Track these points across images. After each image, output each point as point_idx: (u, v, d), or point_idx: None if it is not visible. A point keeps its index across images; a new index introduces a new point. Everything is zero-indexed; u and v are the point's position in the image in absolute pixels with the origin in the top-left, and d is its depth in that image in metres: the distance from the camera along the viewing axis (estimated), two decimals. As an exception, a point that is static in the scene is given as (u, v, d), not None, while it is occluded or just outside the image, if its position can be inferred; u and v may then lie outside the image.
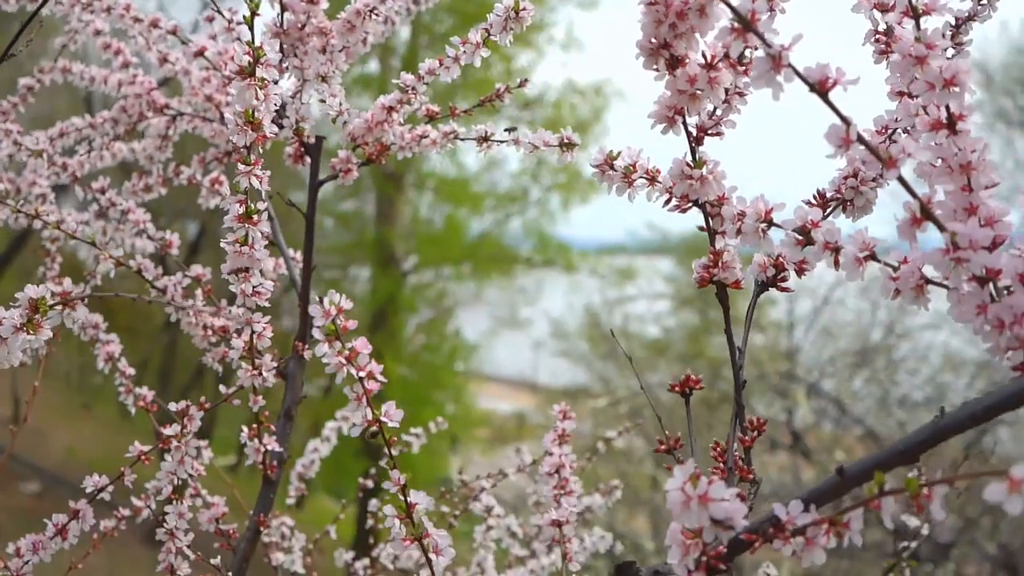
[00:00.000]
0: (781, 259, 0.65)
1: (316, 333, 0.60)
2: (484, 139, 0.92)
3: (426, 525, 0.63)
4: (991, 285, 0.50)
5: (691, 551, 0.52)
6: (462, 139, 0.94)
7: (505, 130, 0.93)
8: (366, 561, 1.28)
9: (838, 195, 0.66)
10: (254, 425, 0.94)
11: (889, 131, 0.67)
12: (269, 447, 0.95)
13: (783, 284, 0.66)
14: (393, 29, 1.10)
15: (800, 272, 0.66)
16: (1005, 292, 0.51)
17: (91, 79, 1.22)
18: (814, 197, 0.67)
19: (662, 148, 0.67)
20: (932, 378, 7.22)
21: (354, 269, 11.65)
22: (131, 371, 1.08)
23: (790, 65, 0.49)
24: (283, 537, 1.28)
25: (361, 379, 0.61)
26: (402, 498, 0.63)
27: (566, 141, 0.81)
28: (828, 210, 0.66)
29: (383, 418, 0.61)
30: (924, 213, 0.50)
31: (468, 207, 11.72)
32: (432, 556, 0.63)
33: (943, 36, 0.71)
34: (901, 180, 0.50)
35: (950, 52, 0.71)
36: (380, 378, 0.61)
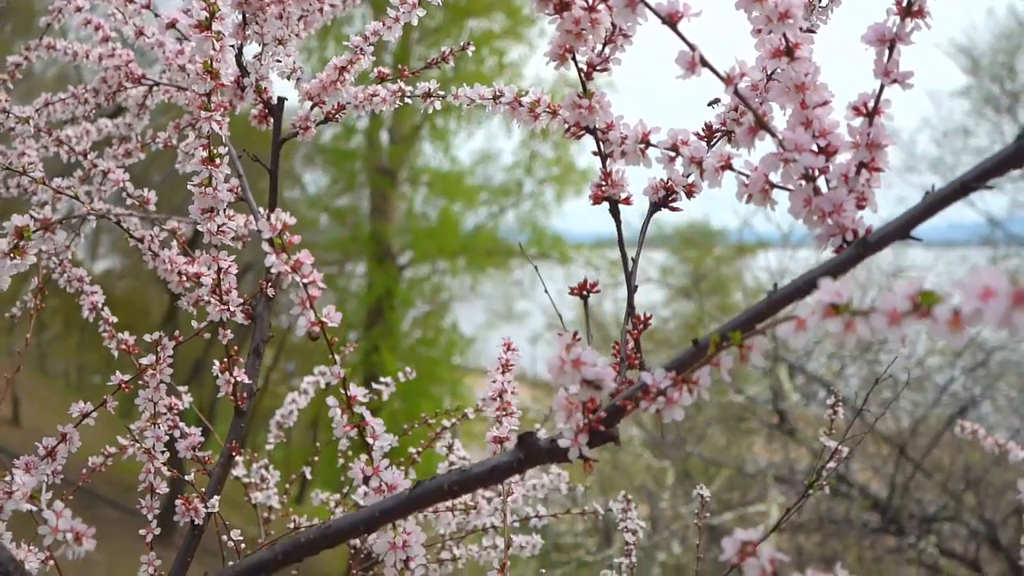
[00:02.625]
0: (671, 182, 0.74)
1: (265, 245, 0.69)
2: (428, 95, 1.02)
3: (364, 414, 0.73)
4: (818, 183, 0.60)
5: (573, 413, 0.61)
6: (409, 96, 1.04)
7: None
8: (338, 496, 1.38)
9: (723, 127, 0.76)
10: (225, 359, 1.04)
11: (768, 71, 0.77)
12: (239, 379, 1.05)
13: (673, 205, 0.75)
14: (352, 4, 1.20)
15: (689, 195, 0.76)
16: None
17: (74, 54, 1.31)
18: (702, 128, 0.76)
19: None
20: (918, 361, 7.32)
21: (350, 265, 11.74)
22: (114, 319, 1.17)
23: (644, 2, 0.58)
24: (262, 479, 1.38)
25: (305, 285, 0.70)
26: (343, 391, 0.73)
27: (497, 94, 0.91)
28: (714, 140, 0.76)
29: (324, 319, 0.71)
30: (759, 123, 0.60)
31: (462, 201, 11.81)
32: (370, 441, 0.73)
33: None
34: (737, 94, 0.60)
35: (824, 2, 0.81)
36: (321, 285, 0.71)
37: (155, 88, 1.27)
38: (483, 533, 1.29)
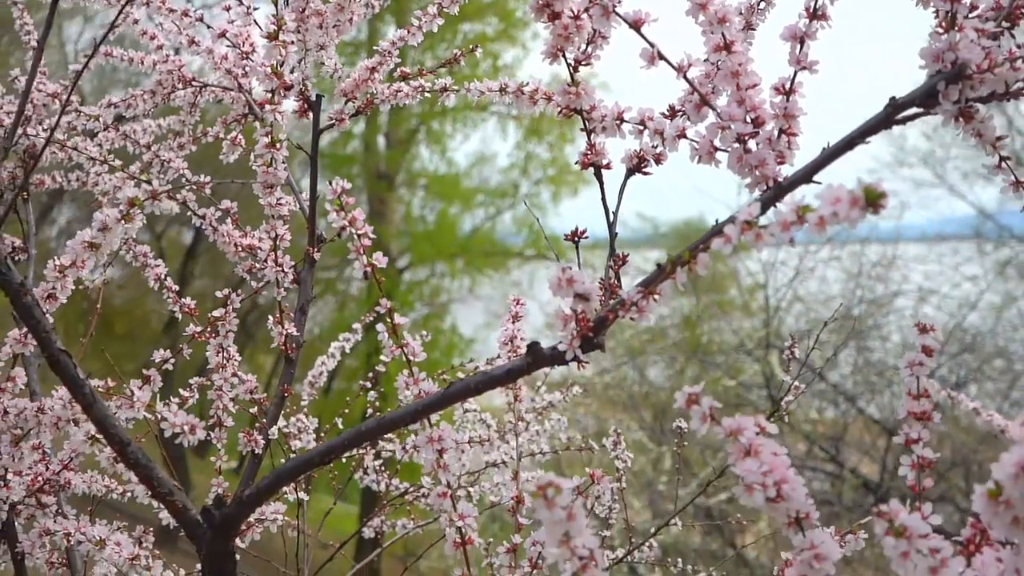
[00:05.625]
0: (642, 151, 0.94)
1: (327, 205, 0.89)
2: (444, 90, 1.22)
3: (406, 338, 0.93)
4: (749, 145, 0.80)
5: (568, 324, 0.81)
6: (427, 92, 1.24)
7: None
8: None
9: (682, 107, 0.96)
10: (277, 314, 1.24)
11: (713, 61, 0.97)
12: (289, 331, 1.24)
13: (646, 170, 0.95)
14: (374, 12, 1.40)
15: (657, 161, 0.95)
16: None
17: (129, 60, 1.51)
18: (667, 108, 0.96)
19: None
20: (908, 347, 7.53)
21: (349, 269, 11.93)
22: (176, 287, 1.37)
23: (615, 11, 0.79)
24: (299, 431, 1.58)
25: (359, 235, 0.91)
26: (390, 320, 0.93)
27: (503, 87, 1.11)
28: (677, 116, 0.96)
29: (374, 261, 0.91)
30: (703, 101, 0.80)
31: (459, 203, 12.01)
32: (411, 358, 0.93)
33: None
34: (686, 79, 0.80)
35: (763, 6, 1.01)
36: (371, 235, 0.91)
37: (204, 89, 1.47)
38: (495, 470, 1.49)
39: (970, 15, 0.75)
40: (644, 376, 8.45)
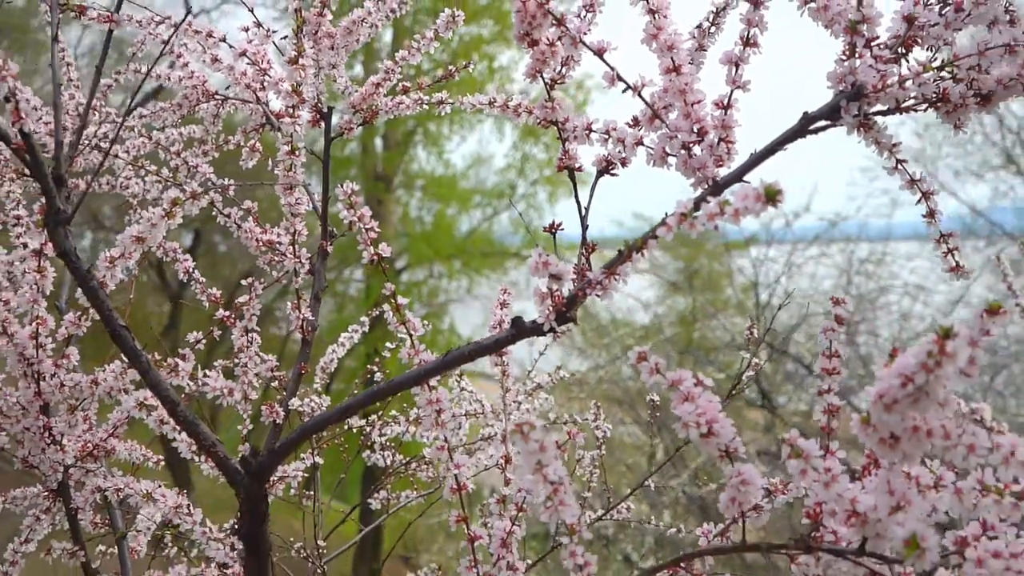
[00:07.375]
0: (609, 156, 1.11)
1: (338, 204, 1.06)
2: (441, 103, 1.39)
3: (407, 315, 1.10)
4: (694, 151, 0.97)
5: (545, 299, 0.98)
6: (426, 104, 1.40)
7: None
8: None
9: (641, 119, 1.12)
10: (295, 301, 1.40)
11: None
12: (306, 316, 1.41)
13: (613, 172, 1.12)
14: (377, 32, 1.56)
15: (623, 164, 1.12)
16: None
17: (157, 76, 1.67)
18: (632, 119, 1.13)
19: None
20: (894, 340, 7.71)
21: (348, 270, 12.10)
22: (203, 280, 1.54)
23: (582, 41, 0.95)
24: (312, 410, 1.74)
25: (367, 229, 1.07)
26: (394, 300, 1.10)
27: (492, 101, 1.27)
28: (640, 128, 1.12)
29: (380, 251, 1.08)
30: (654, 115, 0.97)
31: (456, 204, 12.18)
32: (412, 332, 1.10)
33: (707, 20, 1.17)
34: (640, 96, 0.97)
35: (713, 30, 1.17)
36: (376, 229, 1.07)
37: (226, 102, 1.63)
38: (488, 443, 1.65)
39: (873, 43, 0.91)
40: (639, 372, 8.59)
